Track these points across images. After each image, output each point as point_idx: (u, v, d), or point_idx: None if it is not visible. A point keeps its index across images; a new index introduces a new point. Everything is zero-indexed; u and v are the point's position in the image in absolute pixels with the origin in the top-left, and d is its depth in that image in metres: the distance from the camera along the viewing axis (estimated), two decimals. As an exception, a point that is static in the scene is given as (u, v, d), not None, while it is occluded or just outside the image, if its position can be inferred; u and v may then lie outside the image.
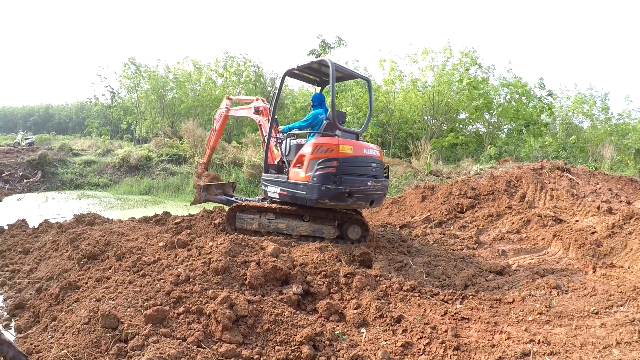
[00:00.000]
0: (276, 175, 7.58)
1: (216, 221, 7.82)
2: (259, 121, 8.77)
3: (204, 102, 34.72)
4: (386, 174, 7.82)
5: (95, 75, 75.97)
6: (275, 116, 8.42)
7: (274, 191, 7.42)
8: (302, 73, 8.27)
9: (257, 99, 9.16)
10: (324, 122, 7.45)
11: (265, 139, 8.19)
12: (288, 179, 7.15)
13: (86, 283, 5.42)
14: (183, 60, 37.51)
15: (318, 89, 9.24)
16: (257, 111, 8.77)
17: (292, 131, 7.75)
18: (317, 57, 22.37)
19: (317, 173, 6.60)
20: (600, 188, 11.38)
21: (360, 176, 6.89)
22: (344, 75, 8.24)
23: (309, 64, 7.68)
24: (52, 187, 20.54)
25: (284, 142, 7.86)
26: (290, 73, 8.08)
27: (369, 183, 6.94)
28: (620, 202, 10.47)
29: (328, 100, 7.79)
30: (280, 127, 8.12)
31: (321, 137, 7.06)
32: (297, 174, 6.95)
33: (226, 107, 9.64)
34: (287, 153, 7.68)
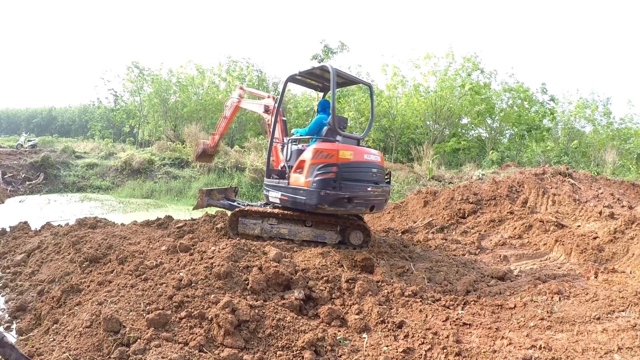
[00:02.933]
0: (277, 180, 7.59)
1: (218, 226, 7.83)
2: (268, 120, 8.68)
3: (207, 106, 34.78)
4: (388, 180, 7.72)
5: (98, 78, 76.20)
6: (284, 118, 8.42)
7: (275, 196, 7.41)
8: (304, 79, 8.29)
9: (268, 97, 8.98)
10: (325, 127, 7.45)
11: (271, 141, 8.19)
12: (289, 184, 7.16)
13: (88, 286, 5.43)
14: (186, 64, 37.66)
15: (321, 94, 9.26)
16: (266, 110, 8.67)
17: (294, 137, 7.79)
18: (319, 62, 22.43)
19: (317, 178, 6.59)
20: (602, 193, 11.38)
21: (360, 182, 6.84)
22: (346, 80, 8.17)
23: (311, 70, 7.68)
24: (54, 189, 20.59)
25: (285, 147, 7.86)
26: (292, 79, 8.12)
27: (369, 189, 6.86)
28: (622, 207, 10.46)
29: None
30: (293, 131, 8.13)
31: (321, 143, 7.02)
32: (298, 179, 6.94)
33: (238, 98, 9.45)
34: (288, 158, 7.68)
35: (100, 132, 44.74)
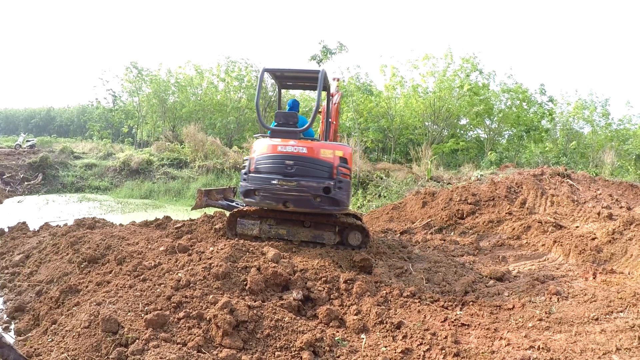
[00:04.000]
0: None
1: (217, 226, 7.82)
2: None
3: (206, 106, 34.79)
4: (336, 176, 6.75)
5: (97, 79, 76.39)
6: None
7: None
8: (287, 82, 8.52)
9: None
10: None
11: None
12: None
13: (86, 287, 5.43)
14: (185, 65, 37.58)
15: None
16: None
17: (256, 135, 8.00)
18: (318, 63, 22.40)
19: (241, 172, 7.02)
20: (600, 194, 11.38)
21: (266, 174, 6.69)
22: (298, 77, 8.13)
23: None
24: (52, 189, 20.57)
25: None
26: (284, 85, 8.58)
27: (273, 181, 6.58)
28: (621, 207, 10.46)
29: (300, 108, 8.18)
30: None
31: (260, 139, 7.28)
32: None
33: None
34: None
35: (98, 133, 44.69)
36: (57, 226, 9.28)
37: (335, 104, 8.56)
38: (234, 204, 9.01)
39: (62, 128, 70.01)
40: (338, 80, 9.66)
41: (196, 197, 9.04)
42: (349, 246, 7.34)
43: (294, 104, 7.95)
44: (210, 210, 9.60)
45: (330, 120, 8.05)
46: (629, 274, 6.48)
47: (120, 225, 9.24)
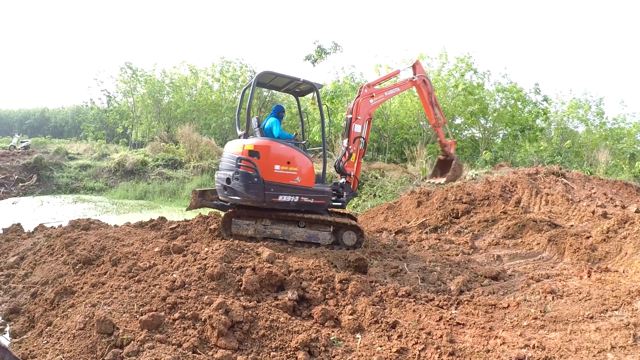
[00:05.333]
0: None
1: (212, 227, 7.82)
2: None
3: (200, 106, 34.68)
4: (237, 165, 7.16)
5: (91, 79, 76.18)
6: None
7: None
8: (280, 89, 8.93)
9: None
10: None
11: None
12: None
13: (81, 288, 5.41)
14: (179, 65, 37.41)
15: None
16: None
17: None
18: (313, 63, 22.35)
19: None
20: (595, 192, 11.44)
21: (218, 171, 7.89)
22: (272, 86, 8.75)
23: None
24: (47, 191, 20.46)
25: None
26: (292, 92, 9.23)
27: (215, 176, 7.86)
28: (615, 206, 10.52)
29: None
30: None
31: None
32: None
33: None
34: None
35: (93, 133, 44.46)
36: (51, 227, 9.25)
37: (362, 97, 8.26)
38: (228, 204, 8.99)
39: (56, 129, 69.76)
40: (415, 67, 9.70)
41: (191, 197, 9.01)
42: (344, 246, 7.35)
43: (275, 109, 8.36)
44: (205, 211, 9.59)
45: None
46: (623, 272, 6.51)
47: (115, 226, 9.21)
